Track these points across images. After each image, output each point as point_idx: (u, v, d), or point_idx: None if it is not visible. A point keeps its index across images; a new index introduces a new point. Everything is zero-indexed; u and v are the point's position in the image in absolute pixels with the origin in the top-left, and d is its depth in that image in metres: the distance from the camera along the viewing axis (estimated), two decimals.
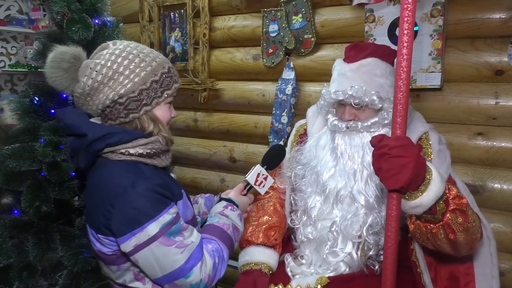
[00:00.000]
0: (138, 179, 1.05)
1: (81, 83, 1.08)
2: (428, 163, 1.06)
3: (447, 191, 1.08)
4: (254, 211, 1.57)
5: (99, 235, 1.09)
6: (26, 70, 3.36)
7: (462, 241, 1.12)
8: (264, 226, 1.50)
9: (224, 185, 2.44)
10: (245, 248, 1.50)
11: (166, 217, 1.03)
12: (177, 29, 2.46)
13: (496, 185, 1.71)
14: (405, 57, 0.97)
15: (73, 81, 1.10)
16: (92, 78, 1.07)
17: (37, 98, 1.82)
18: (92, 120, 1.15)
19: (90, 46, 1.82)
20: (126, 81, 1.07)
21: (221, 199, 1.31)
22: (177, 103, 2.55)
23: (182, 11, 2.42)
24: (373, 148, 1.03)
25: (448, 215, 1.08)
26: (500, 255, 1.71)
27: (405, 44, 0.96)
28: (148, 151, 1.11)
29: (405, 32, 0.96)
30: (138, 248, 1.02)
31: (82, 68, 1.09)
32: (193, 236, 1.10)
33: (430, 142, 1.37)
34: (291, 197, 1.52)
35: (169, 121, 1.21)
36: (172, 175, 1.44)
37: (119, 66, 1.07)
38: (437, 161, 1.33)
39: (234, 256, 1.61)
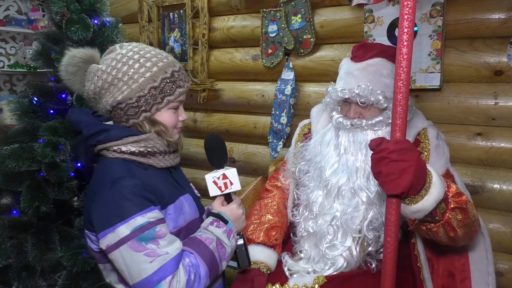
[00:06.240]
0: (120, 177, 1.02)
1: (86, 87, 1.12)
2: (428, 166, 1.04)
3: (446, 189, 1.08)
4: (257, 209, 1.58)
5: (86, 230, 1.10)
6: (25, 70, 3.36)
7: (462, 235, 1.13)
8: (265, 225, 1.51)
9: None
10: None
11: (138, 220, 0.98)
12: (176, 29, 2.46)
13: (495, 186, 1.71)
14: (405, 56, 0.91)
15: (83, 84, 1.13)
16: (94, 84, 1.09)
17: (36, 99, 1.82)
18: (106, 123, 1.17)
19: (89, 47, 1.83)
20: (125, 87, 1.07)
21: (209, 214, 1.21)
22: None
23: (181, 11, 2.42)
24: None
25: (448, 214, 1.08)
26: (499, 255, 1.71)
27: (405, 43, 0.91)
28: (142, 149, 1.09)
29: (405, 30, 0.90)
30: (110, 248, 0.99)
31: (88, 72, 1.11)
32: (171, 247, 1.01)
33: (429, 137, 1.39)
34: (294, 192, 1.54)
35: (175, 125, 1.17)
36: None
37: (118, 72, 1.07)
38: (435, 155, 1.35)
39: (232, 256, 1.60)
